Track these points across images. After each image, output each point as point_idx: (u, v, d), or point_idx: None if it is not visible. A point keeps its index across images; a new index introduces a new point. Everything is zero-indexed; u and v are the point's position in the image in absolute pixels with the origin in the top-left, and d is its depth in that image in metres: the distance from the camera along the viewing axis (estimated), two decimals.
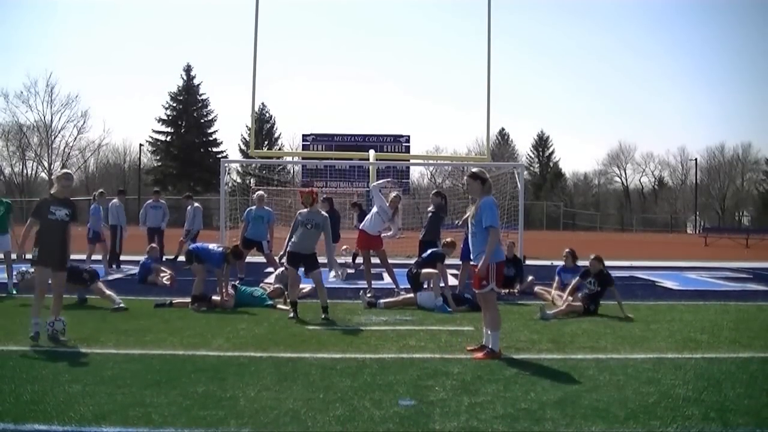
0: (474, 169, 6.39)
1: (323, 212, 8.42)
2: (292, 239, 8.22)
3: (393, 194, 10.84)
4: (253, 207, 12.47)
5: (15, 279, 9.53)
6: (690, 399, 4.69)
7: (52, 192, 6.77)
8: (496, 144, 68.23)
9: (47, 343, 6.25)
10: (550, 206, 62.13)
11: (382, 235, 10.49)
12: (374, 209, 10.55)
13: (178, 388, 4.78)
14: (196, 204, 16.07)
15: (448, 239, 10.25)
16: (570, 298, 8.78)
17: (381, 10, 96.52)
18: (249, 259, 12.43)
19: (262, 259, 12.84)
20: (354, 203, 15.17)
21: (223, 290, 8.80)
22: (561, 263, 10.26)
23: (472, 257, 6.32)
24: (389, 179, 11.55)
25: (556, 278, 9.94)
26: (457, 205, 21.42)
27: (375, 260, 10.65)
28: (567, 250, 10.19)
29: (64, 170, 7.28)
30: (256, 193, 13.01)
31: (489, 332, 6.08)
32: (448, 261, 9.72)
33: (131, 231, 14.89)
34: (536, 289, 10.25)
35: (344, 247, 15.42)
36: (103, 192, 14.22)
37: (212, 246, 9.34)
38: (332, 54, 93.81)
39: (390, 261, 10.94)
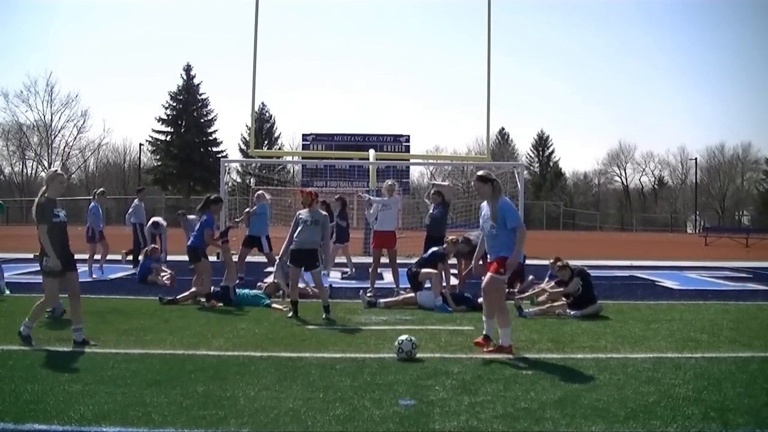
0: (480, 172, 6.40)
1: (323, 212, 8.51)
2: (294, 237, 8.21)
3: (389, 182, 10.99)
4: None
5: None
6: (690, 399, 4.70)
7: (47, 195, 6.35)
8: (496, 144, 68.15)
9: (47, 343, 6.26)
10: (550, 206, 62.04)
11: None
12: (377, 207, 10.59)
13: (178, 388, 4.78)
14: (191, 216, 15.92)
15: (451, 237, 10.21)
16: (563, 300, 8.71)
17: (381, 10, 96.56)
18: (247, 258, 12.45)
19: (262, 258, 12.82)
20: (338, 197, 14.62)
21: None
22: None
23: (490, 257, 6.29)
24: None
25: (552, 283, 9.80)
26: (456, 204, 21.36)
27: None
28: (558, 263, 9.07)
29: (56, 170, 6.90)
30: (257, 193, 12.85)
31: (499, 328, 6.15)
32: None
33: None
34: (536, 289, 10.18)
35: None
36: (104, 191, 14.15)
37: (193, 221, 9.53)
38: (333, 54, 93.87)
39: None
